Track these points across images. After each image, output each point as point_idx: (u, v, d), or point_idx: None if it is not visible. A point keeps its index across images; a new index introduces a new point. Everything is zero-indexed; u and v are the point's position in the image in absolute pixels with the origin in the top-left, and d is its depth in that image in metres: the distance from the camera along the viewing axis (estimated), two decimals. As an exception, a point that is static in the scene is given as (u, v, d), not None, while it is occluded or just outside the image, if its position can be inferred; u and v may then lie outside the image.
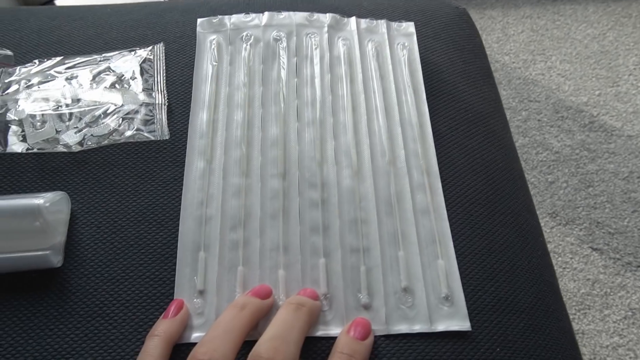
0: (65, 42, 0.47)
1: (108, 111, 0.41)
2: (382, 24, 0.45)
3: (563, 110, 1.21)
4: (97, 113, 0.41)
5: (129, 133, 0.39)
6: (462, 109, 0.43)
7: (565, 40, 1.34)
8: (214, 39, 0.44)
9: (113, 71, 0.43)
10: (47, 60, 0.44)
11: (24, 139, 0.39)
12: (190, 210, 0.36)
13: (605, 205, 1.04)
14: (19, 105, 0.40)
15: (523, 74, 1.29)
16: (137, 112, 0.41)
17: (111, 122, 0.40)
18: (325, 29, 0.44)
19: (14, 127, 0.40)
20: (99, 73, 0.43)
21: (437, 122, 0.41)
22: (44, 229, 0.34)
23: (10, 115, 0.40)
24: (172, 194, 0.38)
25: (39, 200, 0.34)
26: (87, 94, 0.41)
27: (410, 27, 0.45)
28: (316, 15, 0.45)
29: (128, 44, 0.47)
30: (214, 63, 0.43)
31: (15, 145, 0.39)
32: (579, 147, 1.14)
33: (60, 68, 0.43)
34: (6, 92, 0.41)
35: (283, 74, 0.42)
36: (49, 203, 0.35)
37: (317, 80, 0.41)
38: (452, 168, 0.39)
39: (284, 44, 0.43)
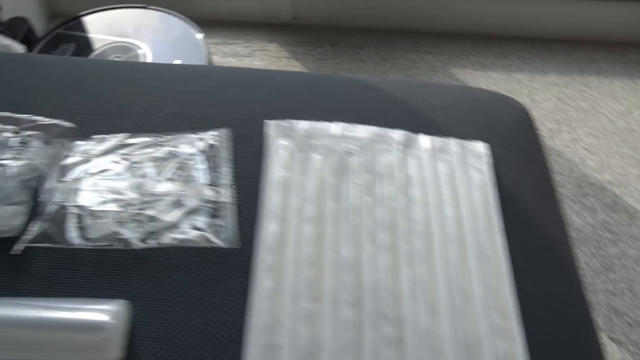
0: (125, 111, 0.47)
1: (171, 205, 0.40)
2: (453, 143, 0.45)
3: (586, 186, 1.21)
4: (160, 207, 0.40)
5: (193, 235, 0.39)
6: (534, 234, 0.43)
7: (591, 113, 1.35)
8: (284, 145, 0.44)
9: (176, 156, 0.42)
10: (107, 136, 0.44)
11: (82, 231, 0.39)
12: (258, 335, 0.35)
13: (625, 292, 1.04)
14: (79, 195, 0.40)
15: (548, 143, 1.30)
16: (201, 209, 0.40)
17: (175, 219, 0.39)
18: (397, 146, 0.44)
19: (72, 218, 0.39)
20: (162, 159, 0.42)
21: (510, 248, 0.41)
22: (106, 346, 0.33)
23: (70, 207, 0.39)
24: (236, 309, 0.37)
25: (104, 316, 0.34)
26: (150, 186, 0.41)
27: (481, 147, 0.45)
28: (388, 131, 0.45)
29: (190, 121, 0.46)
30: (284, 171, 0.42)
31: (75, 238, 0.38)
32: (600, 227, 1.14)
33: (123, 151, 0.43)
34: (66, 179, 0.41)
35: (356, 190, 0.42)
36: (115, 320, 0.34)
37: (390, 202, 0.41)
38: (528, 306, 0.38)
39: (357, 159, 0.43)
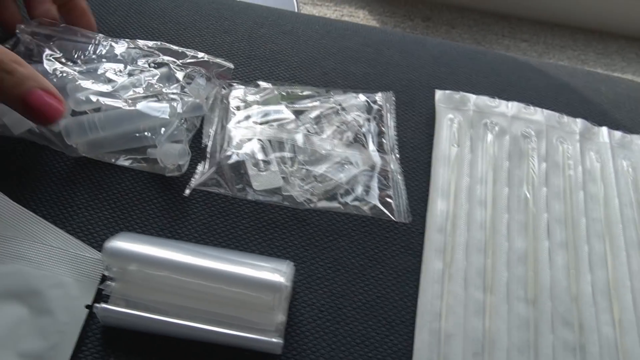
0: (281, 60, 0.44)
1: (338, 167, 0.37)
2: (637, 139, 0.41)
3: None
4: (326, 167, 0.37)
5: (362, 202, 0.36)
6: None
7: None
8: (454, 118, 0.41)
9: (340, 115, 0.40)
10: (265, 83, 0.41)
11: (246, 181, 0.36)
12: (427, 319, 0.33)
13: None
14: (242, 142, 0.38)
15: None
16: (370, 175, 0.37)
17: (342, 182, 0.37)
18: (577, 137, 0.40)
19: (236, 166, 0.37)
20: (327, 115, 0.39)
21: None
22: (278, 307, 0.32)
23: (234, 153, 0.37)
24: (404, 289, 0.35)
25: (281, 277, 0.32)
26: (315, 143, 0.38)
27: (665, 150, 0.41)
28: (566, 119, 0.41)
29: (349, 79, 0.43)
30: (455, 146, 0.39)
31: (239, 188, 0.36)
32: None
33: (284, 101, 0.40)
34: (228, 124, 0.38)
35: (532, 178, 0.38)
36: (288, 282, 0.32)
37: (569, 196, 0.38)
38: None
39: (534, 144, 0.40)
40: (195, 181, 0.35)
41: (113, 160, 0.37)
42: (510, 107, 0.41)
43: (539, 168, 0.39)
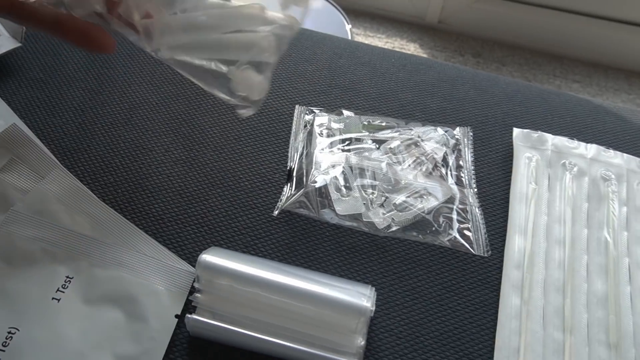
0: (360, 90, 0.46)
1: (417, 197, 0.38)
2: None
3: None
4: (407, 196, 0.38)
5: (441, 233, 0.37)
6: None
7: None
8: (532, 156, 0.41)
9: (419, 147, 0.41)
10: (347, 112, 0.43)
11: (329, 205, 0.37)
12: (505, 355, 0.33)
13: None
14: (328, 167, 0.39)
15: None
16: (449, 207, 0.38)
17: (422, 212, 0.38)
18: (659, 182, 0.40)
19: (322, 190, 0.38)
20: (406, 146, 0.40)
21: None
22: (360, 330, 0.32)
23: (320, 177, 0.38)
24: (482, 322, 0.35)
25: (366, 301, 0.32)
26: (396, 172, 0.39)
27: None
28: (647, 163, 0.41)
29: (426, 112, 0.45)
30: (533, 184, 0.40)
31: (324, 211, 0.37)
32: None
33: (365, 131, 0.41)
34: (314, 148, 0.40)
35: (613, 221, 0.38)
36: (373, 306, 0.33)
37: (651, 242, 0.38)
38: None
39: (614, 187, 0.40)
40: (283, 203, 0.37)
41: (188, 59, 0.31)
42: (589, 149, 0.41)
43: (619, 212, 0.39)
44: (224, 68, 0.30)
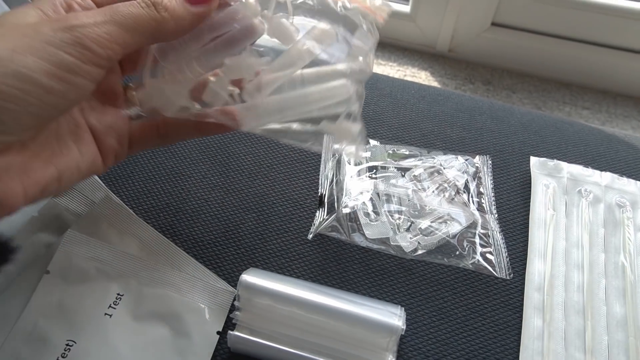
0: (383, 121, 0.48)
1: (441, 222, 0.41)
2: None
3: None
4: (431, 221, 0.41)
5: (465, 257, 0.39)
6: None
7: None
8: (549, 184, 0.43)
9: (442, 174, 0.43)
10: (373, 141, 0.45)
11: (359, 229, 0.40)
12: (531, 373, 0.35)
13: None
14: (357, 193, 0.41)
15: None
16: (472, 232, 0.40)
17: (446, 237, 0.40)
18: (672, 209, 0.42)
19: (353, 215, 0.40)
20: (429, 174, 0.43)
21: None
22: (391, 348, 0.34)
23: (351, 203, 0.41)
24: (505, 342, 0.37)
25: (397, 320, 0.34)
26: (421, 199, 0.41)
27: None
28: (660, 191, 0.43)
29: (447, 141, 0.47)
30: (551, 210, 0.42)
31: (355, 235, 0.39)
32: None
33: (390, 159, 0.44)
34: (344, 175, 0.43)
35: (629, 246, 0.40)
36: (404, 325, 0.35)
37: (666, 266, 0.39)
38: None
39: (629, 213, 0.42)
40: (317, 227, 0.39)
41: (280, 127, 0.31)
42: (603, 177, 0.44)
43: (635, 237, 0.41)
44: (310, 127, 0.31)
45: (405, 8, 1.38)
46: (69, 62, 0.22)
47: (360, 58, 0.31)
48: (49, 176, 0.24)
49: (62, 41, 0.21)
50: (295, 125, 0.31)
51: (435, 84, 1.33)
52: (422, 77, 1.35)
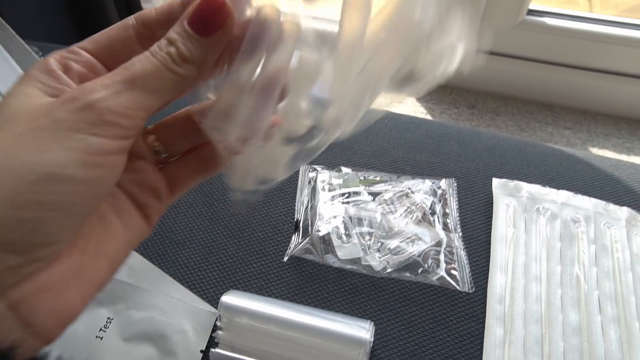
0: (357, 150, 0.52)
1: (409, 242, 0.44)
2: (677, 230, 0.46)
3: None
4: (399, 241, 0.44)
5: (431, 273, 0.42)
6: None
7: None
8: (509, 203, 0.47)
9: (410, 197, 0.46)
10: (346, 169, 0.49)
11: (332, 251, 0.43)
12: (493, 379, 0.38)
13: None
14: (330, 217, 0.45)
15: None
16: (437, 250, 0.43)
17: (413, 255, 0.43)
18: (623, 223, 0.45)
19: (326, 238, 0.44)
20: (398, 197, 0.46)
21: None
22: None
23: (325, 227, 0.44)
24: (469, 352, 0.39)
25: (366, 333, 0.37)
26: (389, 221, 0.45)
27: None
28: (612, 206, 0.46)
29: (416, 166, 0.51)
30: (511, 227, 0.45)
31: (328, 257, 0.43)
32: None
33: (362, 185, 0.48)
34: (317, 200, 0.46)
35: (583, 259, 0.43)
36: (371, 338, 0.37)
37: (618, 276, 0.42)
38: None
39: (583, 228, 0.45)
40: (292, 250, 0.42)
41: None
42: (560, 195, 0.47)
43: (588, 250, 0.44)
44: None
45: (390, 38, 1.43)
46: (98, 144, 0.19)
47: None
48: (102, 271, 0.22)
49: (85, 123, 0.19)
50: None
51: (421, 109, 1.38)
52: (408, 102, 1.40)
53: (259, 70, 0.23)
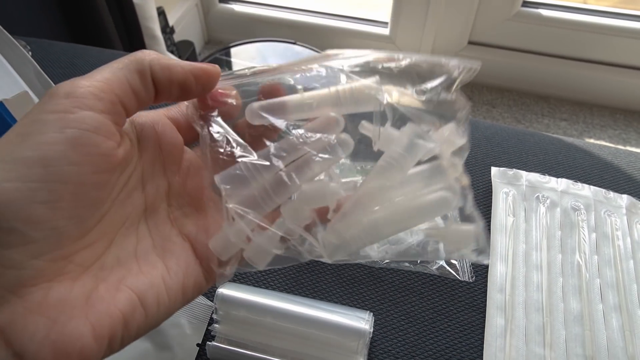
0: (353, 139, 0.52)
1: (410, 232, 0.43)
2: (677, 217, 0.45)
3: None
4: (400, 233, 0.43)
5: (431, 264, 0.42)
6: None
7: None
8: (509, 192, 0.46)
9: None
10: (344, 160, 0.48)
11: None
12: (494, 369, 0.37)
13: None
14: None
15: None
16: (437, 241, 0.43)
17: (413, 245, 0.42)
18: (624, 211, 0.45)
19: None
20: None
21: None
22: (360, 351, 0.36)
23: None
24: (470, 341, 0.39)
25: (365, 324, 0.37)
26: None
27: None
28: (612, 194, 0.46)
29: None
30: (511, 216, 0.45)
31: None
32: None
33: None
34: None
35: (584, 247, 0.43)
36: (371, 329, 0.37)
37: (619, 264, 0.42)
38: None
39: (583, 216, 0.44)
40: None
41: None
42: (560, 183, 0.46)
43: (589, 238, 0.43)
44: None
45: (384, 31, 1.42)
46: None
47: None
48: (123, 302, 0.20)
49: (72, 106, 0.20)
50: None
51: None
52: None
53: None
